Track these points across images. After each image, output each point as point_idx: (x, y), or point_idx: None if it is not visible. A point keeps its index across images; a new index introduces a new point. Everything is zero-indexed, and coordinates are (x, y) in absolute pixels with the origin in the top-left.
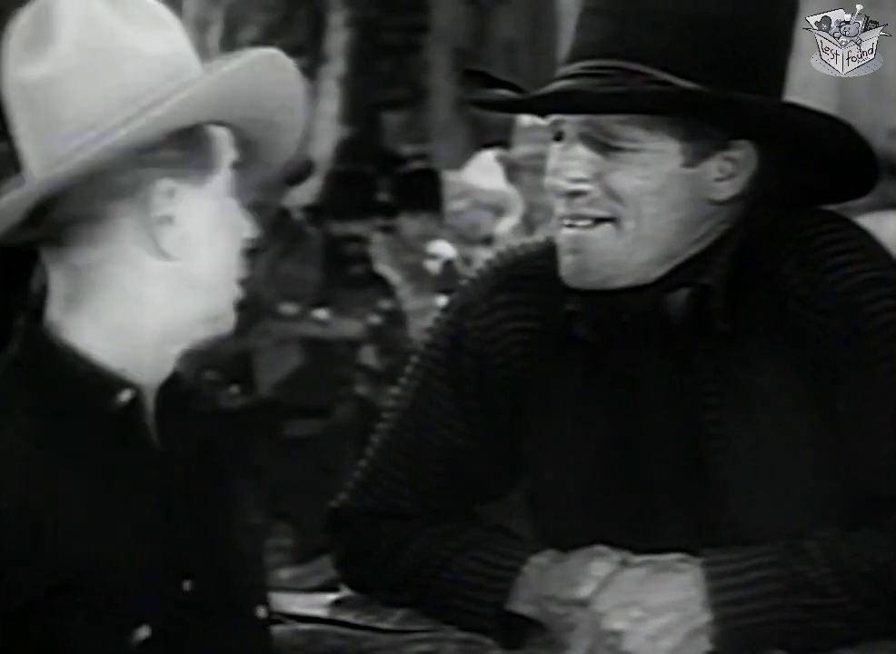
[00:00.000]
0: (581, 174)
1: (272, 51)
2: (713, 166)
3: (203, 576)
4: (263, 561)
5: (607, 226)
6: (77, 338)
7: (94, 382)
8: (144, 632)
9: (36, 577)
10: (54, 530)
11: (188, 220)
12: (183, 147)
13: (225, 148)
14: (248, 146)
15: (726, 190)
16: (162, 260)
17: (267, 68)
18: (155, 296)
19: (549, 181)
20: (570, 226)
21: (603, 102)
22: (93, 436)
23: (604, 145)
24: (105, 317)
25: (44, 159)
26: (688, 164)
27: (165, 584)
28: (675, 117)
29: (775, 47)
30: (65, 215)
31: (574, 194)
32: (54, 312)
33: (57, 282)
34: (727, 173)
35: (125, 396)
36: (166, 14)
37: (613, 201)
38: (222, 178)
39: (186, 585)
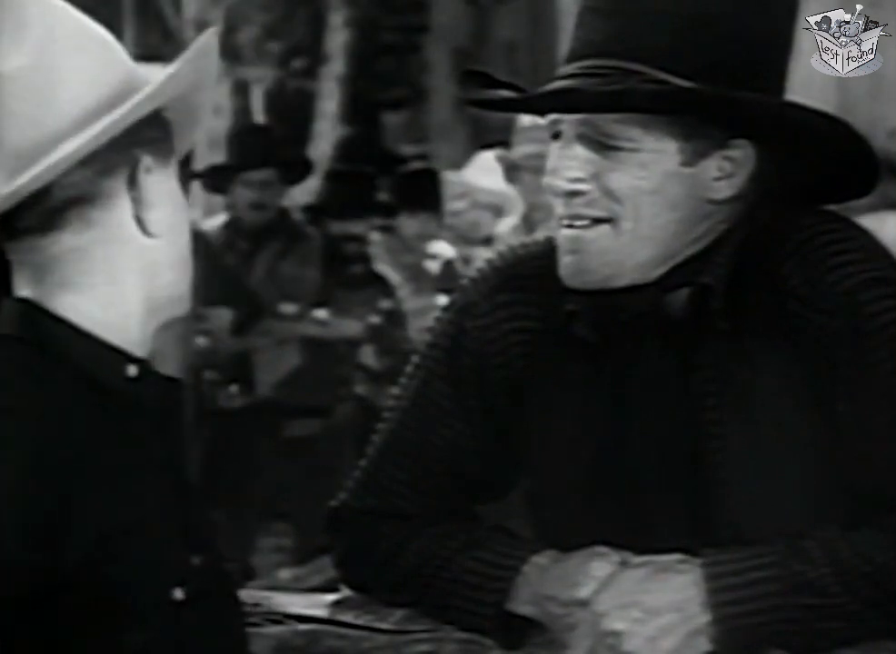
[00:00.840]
0: (578, 174)
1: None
2: (712, 165)
3: (206, 553)
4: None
5: (605, 226)
6: (72, 316)
7: (102, 357)
8: (179, 593)
9: (73, 533)
10: (82, 500)
11: (164, 199)
12: (159, 126)
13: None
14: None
15: (725, 189)
16: (148, 238)
17: (206, 48)
18: (138, 274)
19: (547, 180)
20: (568, 226)
21: (601, 100)
22: (100, 409)
23: (602, 145)
24: (96, 297)
25: (30, 147)
26: (686, 164)
27: (183, 555)
28: (673, 116)
29: (775, 47)
30: (64, 198)
31: (572, 194)
32: (32, 294)
33: (35, 266)
34: (726, 172)
35: (132, 371)
36: None
37: (611, 201)
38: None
39: (196, 560)
